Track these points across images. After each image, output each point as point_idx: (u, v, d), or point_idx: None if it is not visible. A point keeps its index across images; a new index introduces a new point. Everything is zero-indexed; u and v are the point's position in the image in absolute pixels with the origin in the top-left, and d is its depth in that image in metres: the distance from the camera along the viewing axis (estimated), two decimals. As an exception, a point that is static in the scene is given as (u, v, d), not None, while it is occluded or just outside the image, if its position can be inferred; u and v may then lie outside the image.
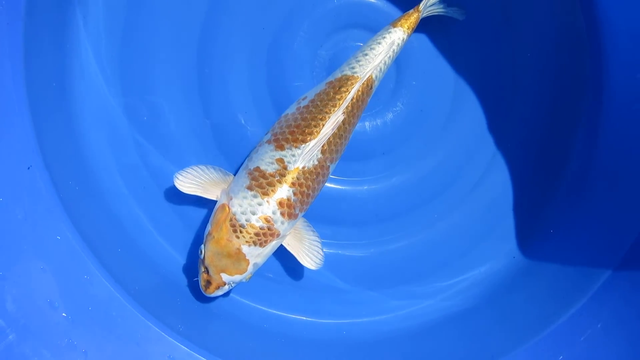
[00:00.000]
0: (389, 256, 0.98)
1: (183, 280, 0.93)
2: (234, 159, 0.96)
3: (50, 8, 0.87)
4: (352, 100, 0.85)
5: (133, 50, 0.95)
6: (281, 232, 0.82)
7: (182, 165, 0.91)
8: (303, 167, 0.82)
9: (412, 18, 0.90)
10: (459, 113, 0.99)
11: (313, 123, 0.84)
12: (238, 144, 0.97)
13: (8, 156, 0.78)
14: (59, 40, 0.90)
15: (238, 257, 0.80)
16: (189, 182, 0.85)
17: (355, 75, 0.87)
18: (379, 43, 0.89)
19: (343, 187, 0.98)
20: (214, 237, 0.81)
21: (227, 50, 0.96)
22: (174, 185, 0.85)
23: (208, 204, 0.92)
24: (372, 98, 0.92)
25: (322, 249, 0.88)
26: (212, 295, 0.82)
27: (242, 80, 0.97)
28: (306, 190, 0.83)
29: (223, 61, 0.97)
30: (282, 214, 0.81)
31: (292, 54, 0.97)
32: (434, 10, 0.93)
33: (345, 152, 0.89)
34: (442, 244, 0.98)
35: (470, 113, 0.99)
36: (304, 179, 0.82)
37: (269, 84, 0.98)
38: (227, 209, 0.81)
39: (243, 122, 0.97)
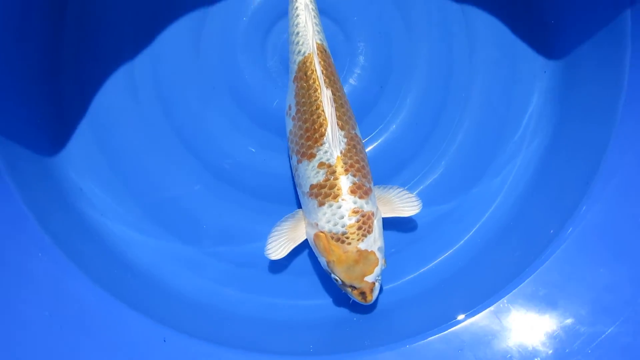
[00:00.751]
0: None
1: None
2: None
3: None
4: (323, 73, 0.89)
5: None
6: (372, 210, 0.86)
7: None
8: (341, 152, 0.85)
9: None
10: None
11: (315, 116, 0.87)
12: (253, 173, 1.01)
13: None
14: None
15: (363, 256, 0.83)
16: (279, 247, 0.89)
17: (306, 54, 0.90)
18: (298, 15, 0.92)
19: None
20: (333, 261, 0.84)
21: (201, 115, 1.02)
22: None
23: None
24: (337, 62, 0.97)
25: (410, 194, 0.92)
26: (374, 299, 0.84)
27: (232, 132, 1.02)
28: (358, 165, 0.86)
29: (205, 125, 1.02)
30: (360, 197, 0.85)
31: (251, 88, 1.02)
32: None
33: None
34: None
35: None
36: (349, 159, 0.86)
37: (253, 120, 1.02)
38: (321, 234, 0.84)
39: (253, 150, 1.02)
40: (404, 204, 0.91)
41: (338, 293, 0.95)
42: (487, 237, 0.98)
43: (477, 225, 0.99)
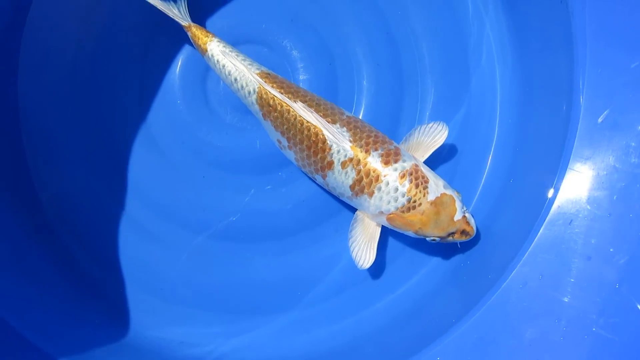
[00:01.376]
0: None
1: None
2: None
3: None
4: (282, 93, 0.87)
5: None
6: (412, 162, 0.86)
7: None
8: (350, 140, 0.85)
9: (193, 33, 0.93)
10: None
11: (306, 132, 0.85)
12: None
13: None
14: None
15: (439, 204, 0.85)
16: (365, 253, 0.89)
17: (256, 89, 0.88)
18: (223, 65, 0.90)
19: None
20: (419, 227, 0.85)
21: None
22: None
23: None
24: (288, 63, 0.99)
25: (429, 124, 0.92)
26: (475, 227, 0.88)
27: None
28: (372, 138, 0.86)
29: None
30: (395, 161, 0.85)
31: (226, 147, 1.01)
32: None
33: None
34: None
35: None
36: (361, 140, 0.85)
37: (250, 169, 1.02)
38: (392, 215, 0.86)
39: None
40: (432, 138, 0.91)
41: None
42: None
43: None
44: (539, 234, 0.86)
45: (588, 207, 0.85)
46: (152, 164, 1.00)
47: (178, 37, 0.98)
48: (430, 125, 0.92)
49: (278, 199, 1.01)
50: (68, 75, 0.99)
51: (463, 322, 0.86)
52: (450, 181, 0.93)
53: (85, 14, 0.99)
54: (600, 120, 0.85)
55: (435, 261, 0.99)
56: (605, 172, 0.85)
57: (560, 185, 0.86)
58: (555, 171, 0.88)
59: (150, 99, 1.00)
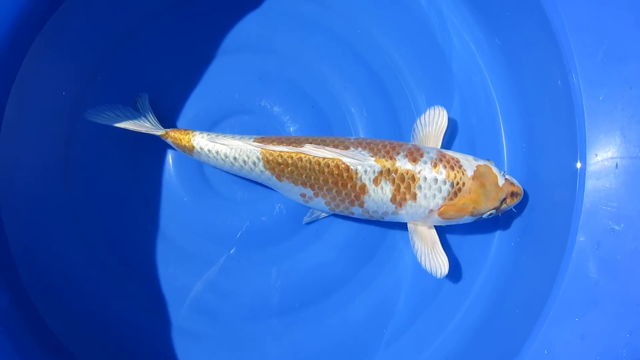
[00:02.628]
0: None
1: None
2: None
3: None
4: (284, 145, 0.86)
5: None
6: (435, 149, 0.88)
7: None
8: (371, 156, 0.84)
9: (173, 137, 0.91)
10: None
11: (327, 171, 0.84)
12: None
13: None
14: None
15: (478, 177, 0.85)
16: (436, 261, 0.88)
17: (260, 157, 0.87)
18: (217, 152, 0.89)
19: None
20: (473, 207, 0.85)
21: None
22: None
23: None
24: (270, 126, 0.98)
25: (426, 112, 0.92)
26: (520, 185, 0.88)
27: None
28: (389, 146, 0.86)
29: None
30: (420, 155, 0.85)
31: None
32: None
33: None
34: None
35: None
36: (381, 151, 0.85)
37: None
38: (442, 209, 0.85)
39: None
40: (435, 124, 0.91)
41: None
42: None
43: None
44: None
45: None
46: (176, 262, 0.97)
47: (161, 143, 0.95)
48: (426, 114, 0.92)
49: (320, 252, 0.98)
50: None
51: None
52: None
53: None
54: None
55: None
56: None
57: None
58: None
59: (156, 209, 0.97)
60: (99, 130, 0.92)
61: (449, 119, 0.93)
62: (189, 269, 0.96)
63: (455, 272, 0.98)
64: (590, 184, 0.86)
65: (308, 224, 0.96)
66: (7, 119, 0.91)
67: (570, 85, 0.87)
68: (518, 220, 0.97)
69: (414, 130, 0.93)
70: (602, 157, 0.85)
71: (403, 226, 0.95)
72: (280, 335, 0.96)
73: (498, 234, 0.98)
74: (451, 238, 0.98)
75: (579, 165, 0.87)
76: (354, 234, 0.98)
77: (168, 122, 0.96)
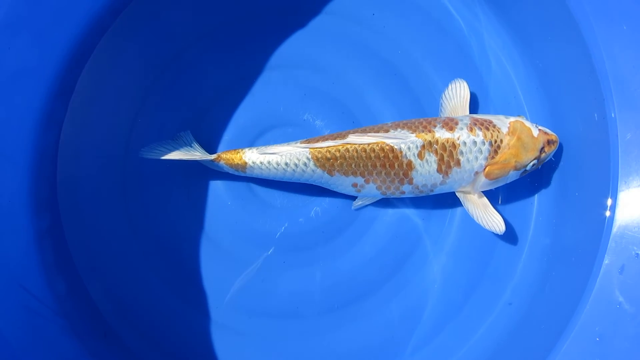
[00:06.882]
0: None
1: None
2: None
3: None
4: (329, 140, 0.91)
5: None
6: (466, 115, 0.94)
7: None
8: (412, 133, 0.89)
9: (225, 159, 0.96)
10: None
11: (374, 156, 0.89)
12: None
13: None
14: None
15: (515, 131, 0.89)
16: (491, 221, 0.92)
17: (309, 157, 0.91)
18: (269, 162, 0.94)
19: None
20: (515, 160, 0.90)
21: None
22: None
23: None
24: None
25: (448, 87, 0.97)
26: (552, 132, 0.92)
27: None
28: (425, 122, 0.91)
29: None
30: (455, 123, 0.90)
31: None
32: None
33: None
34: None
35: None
36: (419, 127, 0.90)
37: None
38: (486, 170, 0.89)
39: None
40: (459, 97, 0.96)
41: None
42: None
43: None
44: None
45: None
46: (219, 261, 1.03)
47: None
48: (449, 89, 0.97)
49: (360, 253, 1.03)
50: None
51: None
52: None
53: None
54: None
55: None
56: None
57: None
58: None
59: (202, 212, 1.04)
60: (154, 140, 1.00)
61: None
62: (230, 268, 1.03)
63: (481, 286, 1.02)
64: (618, 210, 0.88)
65: (358, 209, 1.01)
66: (66, 131, 1.00)
67: (607, 120, 0.89)
68: (545, 238, 1.00)
69: (442, 106, 0.98)
70: (632, 186, 0.88)
71: (434, 235, 1.00)
72: (306, 336, 1.02)
73: (526, 251, 1.01)
74: (479, 254, 1.02)
75: (609, 201, 0.89)
76: (382, 246, 1.03)
77: (215, 134, 1.04)
